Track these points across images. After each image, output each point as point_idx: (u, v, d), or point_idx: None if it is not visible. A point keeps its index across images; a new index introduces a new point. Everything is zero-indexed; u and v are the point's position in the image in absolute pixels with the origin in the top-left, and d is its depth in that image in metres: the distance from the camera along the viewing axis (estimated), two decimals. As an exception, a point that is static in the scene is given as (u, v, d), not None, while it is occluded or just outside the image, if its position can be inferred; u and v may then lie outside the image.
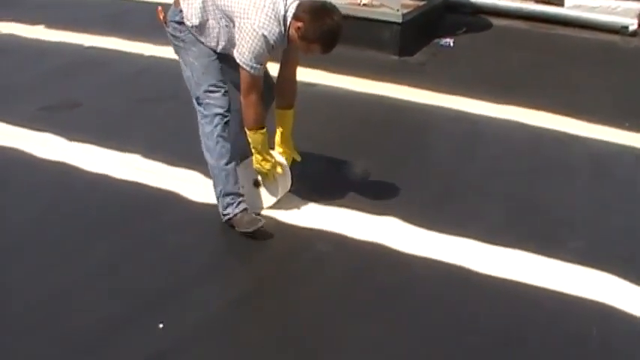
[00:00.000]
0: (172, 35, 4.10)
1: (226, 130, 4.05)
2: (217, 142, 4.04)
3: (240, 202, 4.09)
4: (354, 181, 4.70)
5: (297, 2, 3.82)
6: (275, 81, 4.25)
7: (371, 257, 4.01)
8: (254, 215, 4.11)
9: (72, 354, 3.25)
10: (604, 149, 5.36)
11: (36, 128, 5.29)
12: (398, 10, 7.07)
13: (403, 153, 5.25)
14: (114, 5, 8.49)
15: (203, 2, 3.90)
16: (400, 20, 7.08)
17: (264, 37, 3.74)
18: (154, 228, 4.21)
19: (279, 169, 4.20)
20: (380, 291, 3.77)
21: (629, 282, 3.84)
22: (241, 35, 3.79)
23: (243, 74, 3.86)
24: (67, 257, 3.90)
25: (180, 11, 4.00)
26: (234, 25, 3.85)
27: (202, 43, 4.02)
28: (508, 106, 5.98)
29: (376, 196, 4.57)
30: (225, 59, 4.05)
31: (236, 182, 4.10)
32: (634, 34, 8.04)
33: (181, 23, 4.02)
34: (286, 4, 3.80)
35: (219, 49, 4.03)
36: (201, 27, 3.97)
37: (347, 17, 6.60)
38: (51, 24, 7.77)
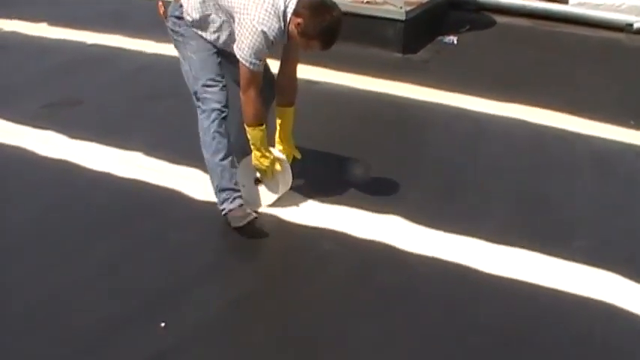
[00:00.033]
0: (172, 30, 4.12)
1: (223, 126, 4.04)
2: (214, 138, 4.03)
3: (235, 198, 4.07)
4: (356, 179, 4.67)
5: None
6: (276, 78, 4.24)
7: (373, 256, 4.00)
8: (247, 211, 4.07)
9: (72, 354, 3.23)
10: (608, 147, 5.34)
11: (38, 126, 5.28)
12: (401, 8, 7.04)
13: (406, 151, 5.23)
14: (116, 3, 8.46)
15: None
16: (403, 18, 7.05)
17: (264, 33, 3.74)
18: (156, 226, 4.19)
19: (277, 166, 4.18)
20: (382, 290, 3.75)
21: (633, 281, 3.82)
22: (241, 31, 3.78)
23: (242, 70, 3.86)
24: (68, 256, 3.89)
25: (181, 6, 4.01)
26: (234, 21, 3.85)
27: (202, 37, 4.03)
28: (511, 104, 5.95)
29: (379, 194, 4.55)
30: (225, 56, 4.05)
31: (231, 178, 4.08)
32: (638, 31, 7.99)
33: (181, 18, 4.03)
34: (286, 0, 3.79)
35: (219, 44, 4.04)
36: (202, 22, 3.98)
37: (350, 14, 6.73)
38: (53, 21, 7.75)
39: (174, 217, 4.28)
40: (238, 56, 3.83)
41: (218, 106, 4.01)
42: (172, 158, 4.83)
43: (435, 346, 3.37)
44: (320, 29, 3.77)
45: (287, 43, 3.97)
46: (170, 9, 4.09)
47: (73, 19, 7.76)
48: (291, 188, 4.39)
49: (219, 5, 3.90)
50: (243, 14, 3.77)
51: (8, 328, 3.37)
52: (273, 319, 3.54)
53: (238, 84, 3.95)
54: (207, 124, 4.03)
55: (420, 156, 5.18)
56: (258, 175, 4.27)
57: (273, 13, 3.75)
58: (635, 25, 8.01)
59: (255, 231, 4.06)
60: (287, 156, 4.27)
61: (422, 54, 7.30)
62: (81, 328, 3.37)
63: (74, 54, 6.90)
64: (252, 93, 3.92)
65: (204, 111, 4.04)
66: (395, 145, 5.30)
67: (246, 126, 4.02)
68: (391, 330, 3.46)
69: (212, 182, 4.14)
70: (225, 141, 4.04)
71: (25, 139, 5.09)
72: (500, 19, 8.48)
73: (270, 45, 3.81)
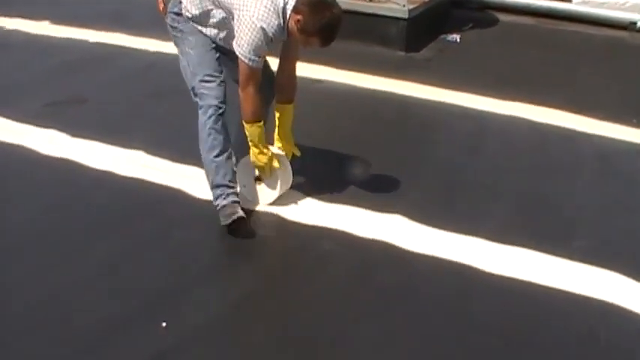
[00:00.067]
0: (171, 26, 4.14)
1: (220, 122, 4.04)
2: (209, 134, 4.03)
3: (229, 194, 4.07)
4: (359, 178, 4.66)
5: None
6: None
7: (375, 255, 3.99)
8: (236, 209, 4.06)
9: (72, 354, 3.22)
10: (611, 146, 5.33)
11: (40, 125, 5.27)
12: (404, 6, 7.03)
13: (409, 149, 5.22)
14: (119, 1, 8.47)
15: None
16: (406, 16, 7.05)
17: (263, 29, 3.74)
18: (158, 225, 4.19)
19: (275, 163, 4.17)
20: (384, 290, 3.74)
21: (634, 280, 3.80)
22: (240, 27, 3.79)
23: (241, 66, 3.86)
24: (69, 256, 3.88)
25: (180, 2, 4.02)
26: (233, 18, 3.85)
27: (201, 32, 4.04)
28: (514, 103, 5.94)
29: (380, 193, 4.54)
30: (225, 53, 4.06)
31: (226, 175, 4.08)
32: (642, 30, 8.00)
33: (180, 14, 4.05)
34: None
35: (218, 40, 4.04)
36: (201, 17, 3.99)
37: (353, 13, 6.73)
38: (56, 20, 7.75)
39: (177, 216, 4.27)
40: (237, 53, 3.83)
41: (215, 102, 4.01)
42: (175, 157, 4.82)
43: (435, 346, 3.36)
44: (319, 26, 3.77)
45: (286, 41, 3.97)
46: (170, 5, 4.10)
47: (75, 18, 7.76)
48: (291, 187, 4.39)
49: (218, 2, 3.90)
50: (242, 11, 3.77)
51: (8, 328, 3.36)
52: (274, 319, 3.53)
53: (238, 82, 3.95)
54: (203, 120, 4.03)
55: (422, 154, 5.17)
56: (257, 173, 4.27)
57: (272, 9, 3.75)
58: (639, 24, 7.99)
59: (245, 232, 4.06)
60: (286, 153, 4.27)
61: (425, 52, 7.29)
62: (81, 328, 3.36)
63: (77, 52, 6.90)
64: (250, 90, 3.91)
65: (201, 107, 4.04)
66: (396, 144, 5.29)
67: (244, 122, 4.02)
68: (391, 330, 3.45)
69: (207, 178, 4.14)
70: (220, 138, 4.04)
71: (27, 137, 5.09)
72: (503, 17, 8.48)
73: (269, 42, 3.81)
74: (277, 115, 4.23)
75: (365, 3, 7.13)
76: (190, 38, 4.05)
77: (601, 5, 8.30)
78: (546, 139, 5.41)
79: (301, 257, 4.01)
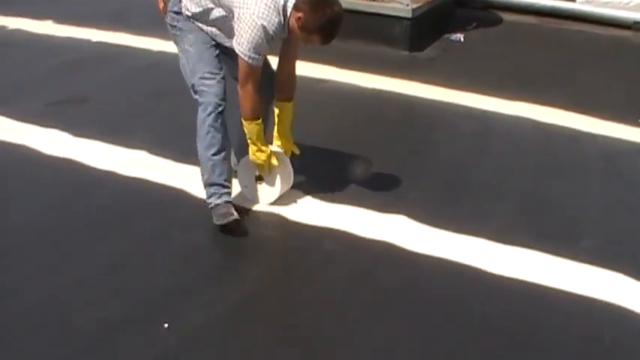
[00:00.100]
0: (170, 25, 4.14)
1: (219, 120, 4.02)
2: (208, 132, 4.01)
3: (222, 194, 4.06)
4: (361, 178, 4.65)
5: None
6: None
7: (378, 256, 3.97)
8: (231, 210, 4.05)
9: (72, 354, 3.21)
10: (616, 146, 5.30)
11: (42, 124, 5.26)
12: (408, 5, 7.01)
13: (412, 149, 5.20)
14: (121, 0, 8.46)
15: None
16: (410, 15, 7.03)
17: (264, 27, 3.73)
18: (160, 226, 4.17)
19: (274, 161, 4.15)
20: (386, 291, 3.72)
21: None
22: (240, 25, 3.77)
23: (241, 64, 3.85)
24: (70, 256, 3.87)
25: (180, 1, 4.03)
26: (233, 16, 3.83)
27: (201, 30, 4.04)
28: (518, 102, 5.92)
29: (384, 193, 4.53)
30: (225, 52, 4.05)
31: (221, 174, 4.06)
32: (646, 29, 7.98)
33: (179, 13, 4.05)
34: None
35: (218, 38, 4.03)
36: (201, 16, 3.99)
37: (357, 12, 6.73)
38: (58, 19, 7.76)
39: (179, 217, 4.25)
40: (237, 51, 3.82)
41: (216, 99, 3.99)
42: (177, 157, 4.80)
43: (435, 346, 3.34)
44: (320, 23, 3.75)
45: (287, 39, 3.96)
46: (169, 4, 4.10)
47: (78, 17, 7.77)
48: (293, 186, 4.37)
49: (218, 0, 3.89)
50: (242, 9, 3.76)
51: (8, 328, 3.34)
52: (275, 319, 3.51)
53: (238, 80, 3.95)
54: (202, 117, 4.02)
55: (425, 154, 5.16)
56: (257, 172, 4.25)
57: (272, 7, 3.74)
58: (643, 23, 7.99)
59: (240, 231, 4.05)
60: (285, 151, 4.25)
61: (428, 52, 7.28)
62: (81, 328, 3.34)
63: (79, 52, 6.89)
64: (249, 87, 3.90)
65: (200, 104, 4.03)
66: (399, 144, 5.27)
67: (242, 120, 4.01)
68: (393, 330, 3.43)
69: (202, 175, 4.12)
70: (219, 136, 4.03)
71: (29, 137, 5.08)
72: (507, 16, 8.47)
73: (269, 40, 3.80)
74: (277, 112, 4.21)
75: (368, 2, 7.12)
76: (190, 36, 4.05)
77: (605, 5, 8.28)
78: (550, 139, 5.39)
79: (303, 257, 3.99)
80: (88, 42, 7.16)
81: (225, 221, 4.01)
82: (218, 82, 4.01)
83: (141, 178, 4.62)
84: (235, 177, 4.29)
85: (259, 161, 4.12)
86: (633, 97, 6.21)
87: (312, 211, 4.30)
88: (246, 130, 4.03)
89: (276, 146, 4.23)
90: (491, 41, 7.74)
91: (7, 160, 4.86)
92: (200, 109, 4.03)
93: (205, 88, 3.99)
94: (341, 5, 3.84)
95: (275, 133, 4.25)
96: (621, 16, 8.12)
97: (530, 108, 5.84)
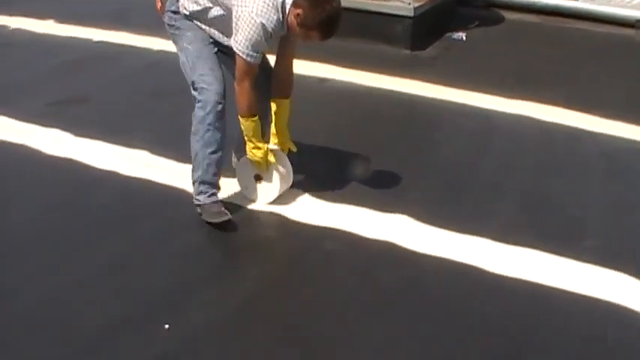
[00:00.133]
0: (168, 24, 4.14)
1: (220, 120, 4.01)
2: (208, 130, 4.01)
3: (213, 193, 4.08)
4: (363, 178, 4.64)
5: None
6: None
7: (380, 256, 3.96)
8: (223, 209, 4.06)
9: (72, 354, 3.20)
10: (618, 145, 5.30)
11: (43, 124, 5.26)
12: (409, 4, 7.01)
13: (414, 148, 5.20)
14: (122, 0, 8.46)
15: None
16: (412, 14, 7.03)
17: (263, 25, 3.73)
18: (161, 225, 4.17)
19: (272, 158, 4.14)
20: (386, 291, 3.71)
21: (642, 281, 3.78)
22: (239, 23, 3.77)
23: (239, 62, 3.85)
24: (70, 256, 3.86)
25: (177, 0, 4.02)
26: (231, 14, 3.83)
27: (200, 28, 4.04)
28: (521, 101, 5.92)
29: (386, 192, 4.52)
30: (223, 50, 4.05)
31: (215, 174, 4.08)
32: (649, 27, 7.96)
33: (177, 12, 4.05)
34: None
35: (216, 36, 4.03)
36: (199, 15, 3.99)
37: (359, 11, 6.72)
38: (59, 19, 7.76)
39: (180, 217, 4.24)
40: (235, 49, 3.82)
41: (215, 97, 3.97)
42: (179, 157, 4.78)
43: (440, 348, 3.33)
44: (319, 20, 3.75)
45: (285, 36, 3.96)
46: (167, 4, 4.10)
47: (79, 17, 7.77)
48: (294, 186, 4.37)
49: None
50: (241, 6, 3.75)
51: (8, 328, 3.34)
52: (276, 319, 3.50)
53: None
54: (202, 115, 4.00)
55: (427, 153, 5.15)
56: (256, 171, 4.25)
57: (271, 5, 3.74)
58: (646, 22, 7.98)
59: (229, 226, 4.07)
60: (282, 148, 4.25)
61: (430, 51, 7.28)
62: (81, 328, 3.33)
63: (80, 51, 6.89)
64: (246, 84, 3.90)
65: (199, 101, 4.01)
66: (401, 143, 5.27)
67: (239, 117, 4.00)
68: (393, 330, 3.42)
69: (193, 171, 4.12)
70: (218, 135, 4.02)
71: (30, 137, 5.07)
72: (509, 15, 8.48)
73: (268, 37, 3.80)
74: (274, 109, 4.20)
75: (370, 1, 7.11)
76: (188, 34, 4.04)
77: (607, 3, 8.29)
78: (552, 138, 5.38)
79: (304, 257, 3.98)
80: (89, 41, 7.15)
81: (219, 220, 4.02)
82: (218, 79, 4.00)
83: (141, 178, 4.62)
84: (234, 176, 4.29)
85: (256, 158, 4.11)
86: (635, 96, 6.20)
87: (313, 211, 4.29)
88: (242, 127, 4.03)
89: (273, 144, 4.22)
90: (493, 40, 7.74)
91: (8, 160, 4.85)
92: (198, 106, 4.01)
93: (205, 85, 3.98)
94: (340, 1, 3.83)
95: (272, 130, 4.24)
96: (623, 14, 8.12)
97: (532, 106, 5.83)
